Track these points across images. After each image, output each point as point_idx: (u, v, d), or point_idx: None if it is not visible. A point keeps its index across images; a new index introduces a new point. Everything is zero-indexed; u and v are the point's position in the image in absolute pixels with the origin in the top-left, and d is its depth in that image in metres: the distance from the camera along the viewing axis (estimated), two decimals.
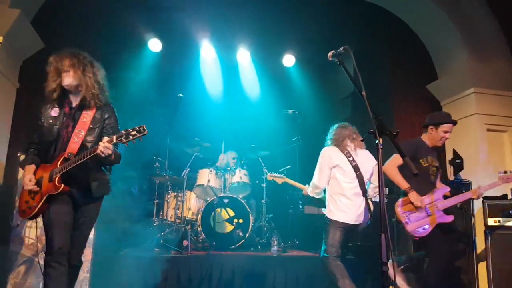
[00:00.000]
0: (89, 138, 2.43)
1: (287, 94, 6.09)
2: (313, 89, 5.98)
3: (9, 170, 3.92)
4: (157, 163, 5.11)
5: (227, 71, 6.05)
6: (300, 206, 5.19)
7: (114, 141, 2.28)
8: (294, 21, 5.15)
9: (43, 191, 2.35)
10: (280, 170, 5.26)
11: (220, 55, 5.89)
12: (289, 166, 5.10)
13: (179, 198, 4.89)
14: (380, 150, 1.74)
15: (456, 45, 4.87)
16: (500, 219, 3.82)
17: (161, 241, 4.39)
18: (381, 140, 1.75)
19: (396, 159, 3.31)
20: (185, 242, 4.20)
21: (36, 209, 2.34)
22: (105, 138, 2.27)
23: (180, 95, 4.72)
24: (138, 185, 6.35)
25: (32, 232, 3.39)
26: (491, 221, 3.85)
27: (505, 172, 3.37)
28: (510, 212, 3.78)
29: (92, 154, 2.27)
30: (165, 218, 4.98)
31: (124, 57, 5.50)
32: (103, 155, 2.25)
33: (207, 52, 5.77)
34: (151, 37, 5.49)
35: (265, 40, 5.57)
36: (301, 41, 5.52)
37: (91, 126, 2.45)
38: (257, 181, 5.25)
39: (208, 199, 4.84)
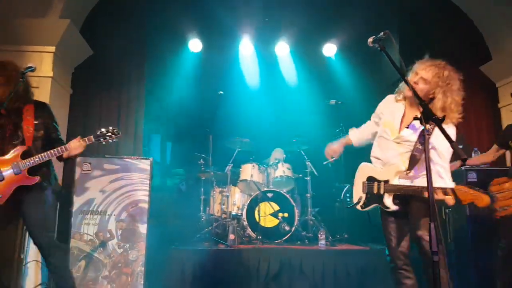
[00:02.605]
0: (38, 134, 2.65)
1: (329, 85, 5.95)
2: (356, 78, 5.78)
3: (68, 169, 4.20)
4: (201, 160, 5.25)
5: (267, 66, 6.03)
6: (348, 199, 5.07)
7: (93, 140, 2.64)
8: (335, 8, 5.02)
9: (7, 182, 2.51)
10: (324, 163, 5.18)
11: (259, 50, 5.89)
12: (334, 158, 4.98)
13: (224, 193, 4.98)
14: (427, 136, 1.68)
15: (508, 23, 4.47)
16: None
17: (209, 235, 4.50)
18: (427, 126, 1.68)
19: (494, 147, 3.41)
20: (232, 236, 4.28)
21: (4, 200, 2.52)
22: (79, 138, 2.61)
23: (221, 92, 4.78)
24: (186, 182, 6.61)
25: (90, 228, 3.62)
26: None
27: None
28: None
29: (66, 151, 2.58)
30: (211, 213, 5.10)
31: (168, 59, 5.72)
32: (75, 153, 2.58)
33: (245, 48, 5.80)
34: (191, 37, 5.62)
35: (304, 30, 5.45)
36: (342, 29, 5.35)
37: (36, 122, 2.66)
38: (300, 175, 5.20)
39: (252, 193, 4.87)
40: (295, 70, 5.99)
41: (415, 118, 1.84)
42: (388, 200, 2.35)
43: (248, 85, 6.05)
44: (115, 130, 2.70)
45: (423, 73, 2.29)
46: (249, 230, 4.63)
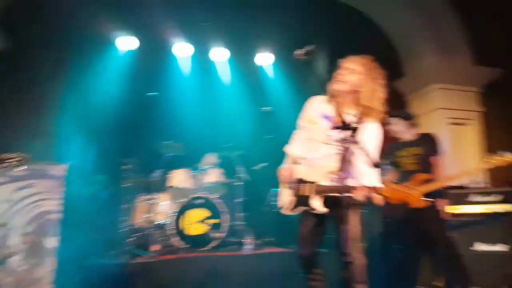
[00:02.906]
0: None
1: (262, 92, 6.08)
2: (289, 86, 6.01)
3: None
4: (126, 165, 4.94)
5: (202, 69, 5.97)
6: (273, 203, 5.19)
7: None
8: (271, 20, 5.16)
9: None
10: (256, 168, 5.27)
11: (195, 53, 5.82)
12: (267, 164, 5.10)
13: (150, 201, 4.75)
14: (348, 146, 1.78)
15: (421, 43, 5.06)
16: (460, 206, 3.90)
17: (130, 247, 4.23)
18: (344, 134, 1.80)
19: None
20: (155, 247, 4.09)
21: None
22: None
23: (150, 94, 4.58)
24: (108, 189, 6.17)
25: None
26: (451, 209, 3.95)
27: (489, 155, 3.32)
28: (469, 199, 3.87)
29: None
30: (134, 222, 4.81)
31: (95, 57, 5.34)
32: None
33: (180, 50, 5.69)
34: (122, 35, 5.35)
35: (240, 37, 5.56)
36: (277, 40, 5.54)
37: None
38: (232, 180, 5.20)
39: (181, 200, 4.73)
40: (230, 75, 6.02)
41: (337, 127, 1.93)
42: (316, 203, 2.30)
43: (181, 88, 5.89)
44: (18, 158, 2.51)
45: (350, 65, 2.32)
46: (175, 239, 4.47)
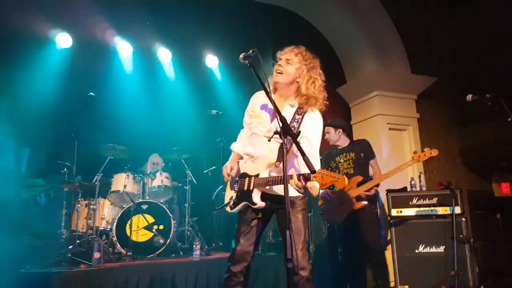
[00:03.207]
0: None
1: (210, 95, 6.04)
2: (236, 90, 6.02)
3: None
4: (65, 169, 4.67)
5: (147, 70, 5.80)
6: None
7: None
8: (215, 22, 5.14)
9: None
10: (204, 172, 5.21)
11: (139, 53, 5.64)
12: (214, 167, 5.07)
13: (91, 207, 4.52)
14: (285, 149, 1.81)
15: (362, 52, 5.32)
16: (401, 209, 4.19)
17: (69, 255, 4.00)
18: (285, 140, 1.82)
19: None
20: (97, 254, 3.88)
21: None
22: None
23: (92, 94, 4.35)
24: (45, 194, 5.79)
25: None
26: (394, 212, 4.20)
27: (415, 152, 3.71)
28: (410, 203, 4.18)
29: None
30: (75, 229, 4.57)
31: (29, 53, 4.99)
32: None
33: (124, 49, 5.48)
34: (60, 31, 5.05)
35: (188, 39, 5.48)
36: (223, 43, 5.53)
37: None
38: (180, 184, 5.09)
39: (125, 206, 4.56)
40: (176, 77, 5.91)
41: (276, 133, 1.94)
42: (256, 196, 2.28)
43: (124, 88, 5.67)
44: None
45: (286, 56, 2.38)
46: (118, 247, 4.29)
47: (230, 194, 2.44)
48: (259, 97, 2.50)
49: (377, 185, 3.75)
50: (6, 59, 4.61)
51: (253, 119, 2.43)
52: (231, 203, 2.39)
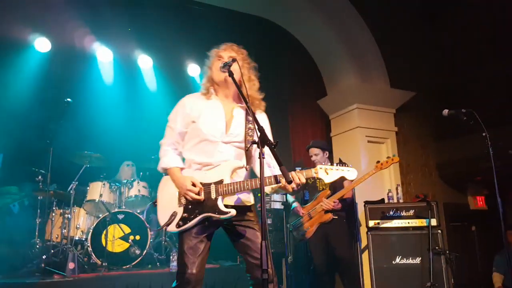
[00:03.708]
0: None
1: None
2: None
3: None
4: (39, 176, 4.55)
5: (126, 77, 5.73)
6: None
7: None
8: (197, 31, 5.14)
9: None
10: None
11: (119, 60, 5.58)
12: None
13: (66, 216, 4.41)
14: (263, 159, 1.79)
15: (342, 65, 5.42)
16: (379, 220, 4.24)
17: (43, 265, 3.87)
18: (262, 150, 1.80)
19: None
20: (71, 265, 3.78)
21: None
22: None
23: (68, 100, 4.26)
24: (19, 202, 5.61)
25: None
26: (371, 223, 4.24)
27: (378, 162, 3.78)
28: (387, 214, 4.24)
29: None
30: (49, 238, 4.46)
31: (4, 55, 4.88)
32: None
33: (103, 55, 5.41)
34: (38, 36, 4.97)
35: (168, 47, 5.46)
36: (204, 52, 5.53)
37: None
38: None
39: (100, 215, 4.46)
40: (156, 85, 5.87)
41: (253, 142, 1.90)
42: (222, 205, 2.03)
43: (103, 95, 5.58)
44: None
45: (228, 53, 2.20)
46: (94, 257, 4.20)
47: (168, 211, 2.06)
48: (197, 102, 2.22)
49: (345, 199, 3.88)
50: None
51: (199, 125, 2.14)
52: (178, 221, 2.02)
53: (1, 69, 4.86)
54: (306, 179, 3.55)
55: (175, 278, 2.06)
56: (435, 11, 5.75)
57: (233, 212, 2.03)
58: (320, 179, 3.63)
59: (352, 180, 3.77)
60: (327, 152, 4.08)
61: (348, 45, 5.31)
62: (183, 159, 2.22)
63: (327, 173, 2.14)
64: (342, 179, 3.57)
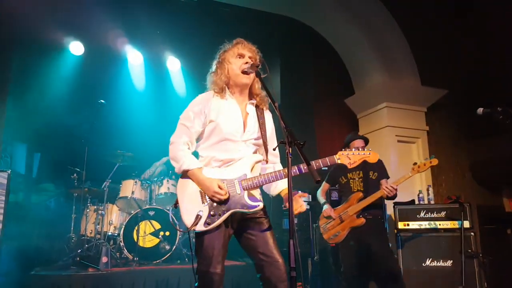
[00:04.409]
0: None
1: None
2: None
3: None
4: (75, 174, 4.75)
5: (156, 78, 5.90)
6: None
7: None
8: (227, 34, 5.20)
9: None
10: None
11: (149, 62, 5.74)
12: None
13: (99, 212, 4.58)
14: (290, 159, 1.80)
15: (371, 63, 5.32)
16: (409, 222, 4.16)
17: (78, 259, 4.06)
18: (290, 149, 1.81)
19: (324, 185, 3.96)
20: (104, 259, 3.93)
21: None
22: None
23: (102, 101, 4.45)
24: (55, 199, 5.89)
25: None
26: (401, 224, 4.17)
27: (415, 163, 3.53)
28: (417, 216, 4.14)
29: None
30: (83, 233, 4.64)
31: (42, 60, 5.13)
32: None
33: (134, 57, 5.60)
34: (72, 39, 5.19)
35: (196, 48, 5.55)
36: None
37: None
38: None
39: (132, 212, 4.61)
40: (185, 86, 5.99)
41: (281, 142, 1.93)
42: (248, 199, 2.05)
43: (134, 96, 5.78)
44: None
45: (250, 53, 2.21)
46: (125, 252, 4.33)
47: (193, 211, 2.03)
48: (213, 101, 2.19)
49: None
50: (20, 65, 4.74)
51: (218, 125, 2.12)
52: (205, 219, 2.00)
53: (38, 72, 5.11)
54: (338, 177, 3.43)
55: (196, 279, 2.02)
56: (467, 6, 5.54)
57: (261, 204, 2.05)
58: (353, 179, 3.62)
59: (386, 178, 3.71)
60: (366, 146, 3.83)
61: (376, 42, 5.21)
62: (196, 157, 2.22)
63: (349, 158, 2.16)
64: (377, 181, 3.43)
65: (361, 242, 3.57)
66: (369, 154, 2.20)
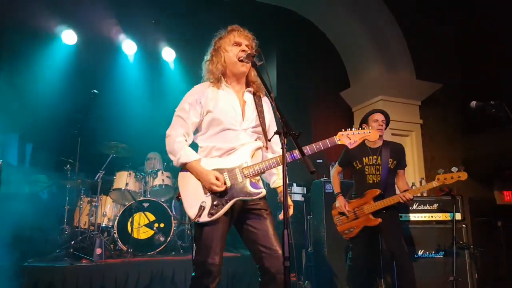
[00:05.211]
0: None
1: None
2: None
3: None
4: (68, 165, 4.70)
5: (151, 69, 5.84)
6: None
7: None
8: (222, 24, 5.17)
9: None
10: None
11: (143, 52, 5.68)
12: None
13: (93, 204, 4.56)
14: (285, 149, 1.79)
15: (367, 56, 5.33)
16: (402, 214, 4.05)
17: (71, 250, 4.05)
18: (285, 140, 1.80)
19: (336, 167, 3.69)
20: (98, 250, 3.93)
21: None
22: None
23: (95, 91, 4.39)
24: (48, 190, 5.83)
25: None
26: None
27: (440, 172, 3.33)
28: (410, 208, 4.11)
29: None
30: (77, 225, 4.62)
31: (34, 49, 5.04)
32: None
33: (128, 48, 5.53)
34: (65, 28, 5.11)
35: (190, 40, 5.50)
36: None
37: None
38: None
39: (126, 203, 4.59)
40: (180, 77, 5.94)
41: (276, 133, 1.88)
42: (250, 186, 2.04)
43: (128, 87, 5.71)
44: None
45: (247, 41, 2.18)
46: (120, 243, 4.33)
47: (196, 202, 2.01)
48: (210, 92, 2.16)
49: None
50: (11, 54, 4.67)
51: (217, 115, 2.11)
52: (209, 210, 1.98)
53: (30, 61, 5.02)
54: (352, 160, 3.43)
55: (193, 269, 2.03)
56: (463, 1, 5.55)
57: (263, 191, 2.05)
58: (369, 165, 3.42)
59: (403, 168, 3.50)
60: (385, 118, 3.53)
61: (373, 35, 5.22)
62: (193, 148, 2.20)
63: (349, 138, 2.15)
64: (395, 170, 3.34)
65: (373, 236, 3.46)
66: (369, 132, 2.17)
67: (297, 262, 4.34)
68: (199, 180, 2.07)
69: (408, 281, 3.29)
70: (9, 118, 4.92)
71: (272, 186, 2.30)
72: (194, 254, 2.04)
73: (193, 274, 2.04)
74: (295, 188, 4.90)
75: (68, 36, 5.18)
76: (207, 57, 2.27)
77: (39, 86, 5.09)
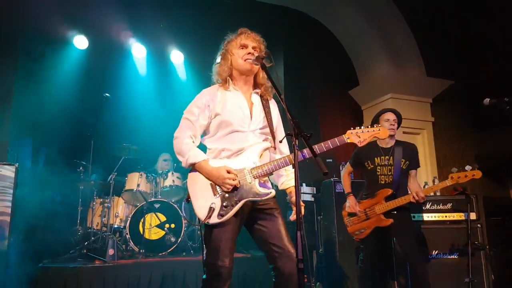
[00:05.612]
0: None
1: None
2: None
3: None
4: (81, 168, 4.78)
5: (160, 71, 5.90)
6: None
7: None
8: (231, 26, 5.18)
9: None
10: None
11: (153, 55, 5.75)
12: None
13: (105, 205, 4.63)
14: (297, 151, 1.78)
15: (375, 54, 5.28)
16: (414, 214, 3.99)
17: (84, 251, 4.11)
18: (297, 141, 1.79)
19: (347, 167, 3.63)
20: (111, 251, 3.97)
21: None
22: None
23: (107, 94, 4.47)
24: (61, 192, 5.92)
25: None
26: None
27: (454, 170, 3.28)
28: (423, 208, 4.03)
29: None
30: (90, 226, 4.69)
31: (47, 54, 5.13)
32: None
33: (138, 51, 5.61)
34: (77, 33, 5.20)
35: (199, 42, 5.53)
36: None
37: None
38: None
39: (138, 204, 4.64)
40: (189, 79, 5.99)
41: (287, 134, 1.90)
42: (259, 186, 2.04)
43: (139, 90, 5.78)
44: None
45: (254, 44, 2.18)
46: (131, 244, 4.38)
47: (205, 204, 2.01)
48: (218, 94, 2.17)
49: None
50: (25, 59, 4.75)
51: (225, 117, 2.11)
52: (218, 211, 1.97)
53: (43, 66, 5.12)
54: (364, 161, 3.36)
55: (204, 271, 2.02)
56: None
57: (273, 191, 2.04)
58: (382, 165, 3.36)
59: (416, 168, 3.42)
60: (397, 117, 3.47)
61: (381, 33, 5.17)
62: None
63: (358, 136, 2.10)
64: (407, 170, 3.28)
65: (384, 237, 3.38)
66: (379, 130, 2.12)
67: (308, 263, 4.33)
68: (209, 179, 2.06)
69: (422, 282, 3.21)
70: (24, 122, 5.02)
71: (280, 187, 2.28)
72: (204, 255, 2.04)
73: (204, 276, 2.03)
74: (305, 188, 4.88)
75: (80, 41, 5.27)
76: (217, 59, 2.30)
77: (53, 90, 5.19)
